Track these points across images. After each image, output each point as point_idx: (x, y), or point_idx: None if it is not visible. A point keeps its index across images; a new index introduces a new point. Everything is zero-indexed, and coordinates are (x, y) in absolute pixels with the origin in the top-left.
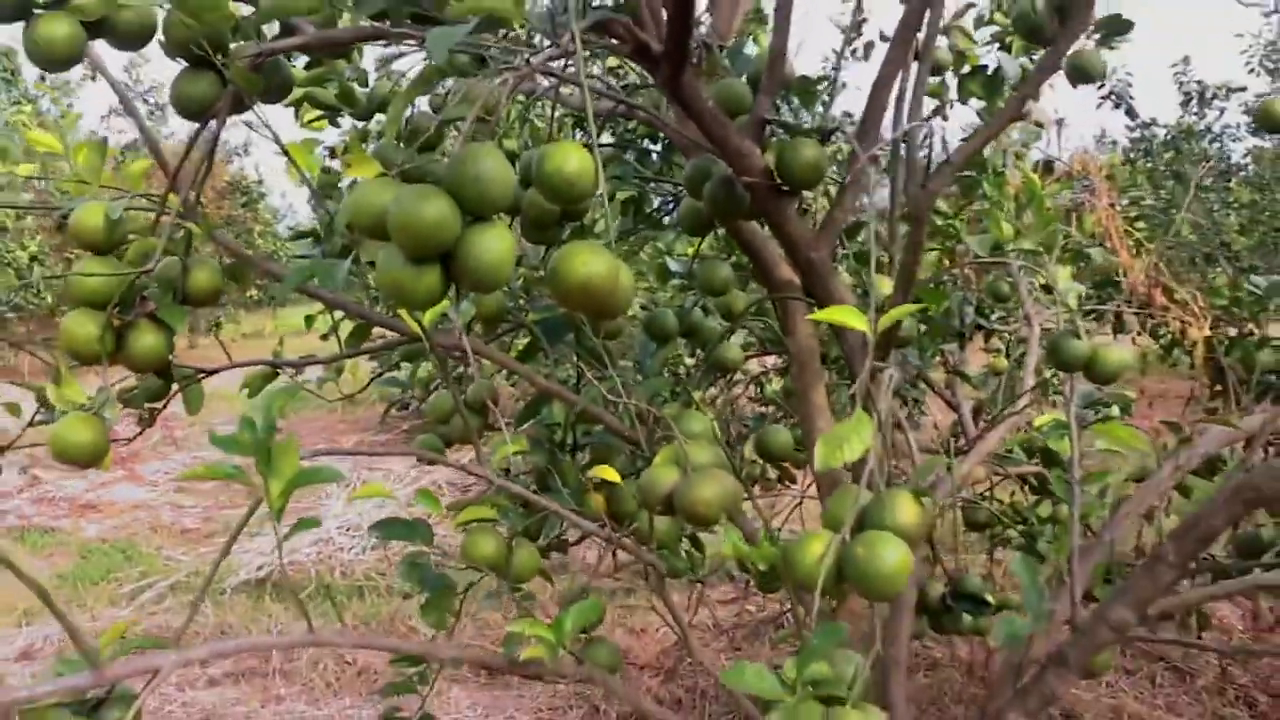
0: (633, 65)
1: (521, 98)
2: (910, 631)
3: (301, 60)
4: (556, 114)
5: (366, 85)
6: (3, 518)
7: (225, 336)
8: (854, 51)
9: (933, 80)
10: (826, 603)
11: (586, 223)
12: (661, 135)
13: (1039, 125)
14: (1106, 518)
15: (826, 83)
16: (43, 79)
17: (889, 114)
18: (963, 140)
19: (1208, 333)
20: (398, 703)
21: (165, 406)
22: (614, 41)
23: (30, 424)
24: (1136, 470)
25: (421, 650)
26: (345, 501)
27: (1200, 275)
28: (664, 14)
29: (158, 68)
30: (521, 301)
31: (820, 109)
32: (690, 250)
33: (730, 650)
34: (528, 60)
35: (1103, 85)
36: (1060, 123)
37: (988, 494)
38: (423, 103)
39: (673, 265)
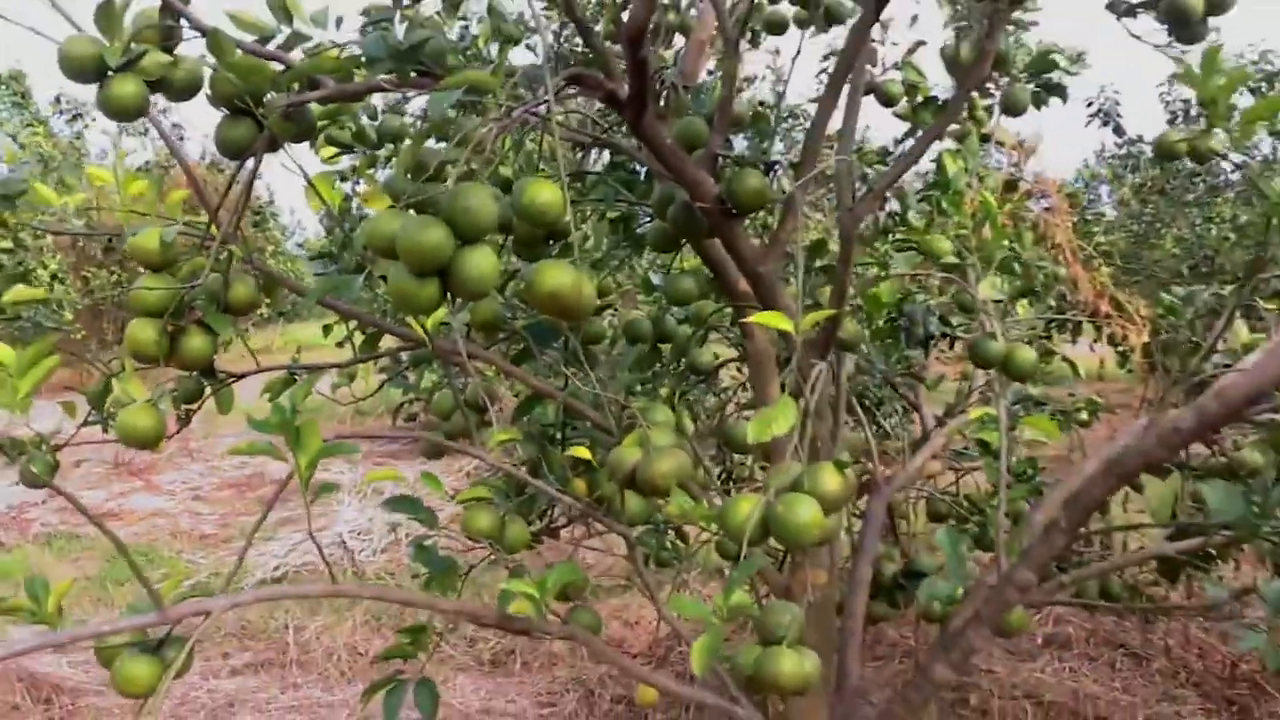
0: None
1: (517, 128)
2: (865, 606)
3: None
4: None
5: (376, 119)
6: (29, 525)
7: (235, 351)
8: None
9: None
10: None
11: (572, 240)
12: None
13: (1000, 144)
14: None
15: (784, 118)
16: (57, 100)
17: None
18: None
19: (1145, 339)
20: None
21: (200, 407)
22: (587, 90)
23: (84, 423)
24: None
25: (427, 603)
26: (357, 501)
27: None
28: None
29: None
30: (517, 311)
31: (765, 144)
32: (684, 264)
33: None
34: (510, 110)
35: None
36: (1022, 144)
37: (952, 488)
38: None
39: (654, 279)
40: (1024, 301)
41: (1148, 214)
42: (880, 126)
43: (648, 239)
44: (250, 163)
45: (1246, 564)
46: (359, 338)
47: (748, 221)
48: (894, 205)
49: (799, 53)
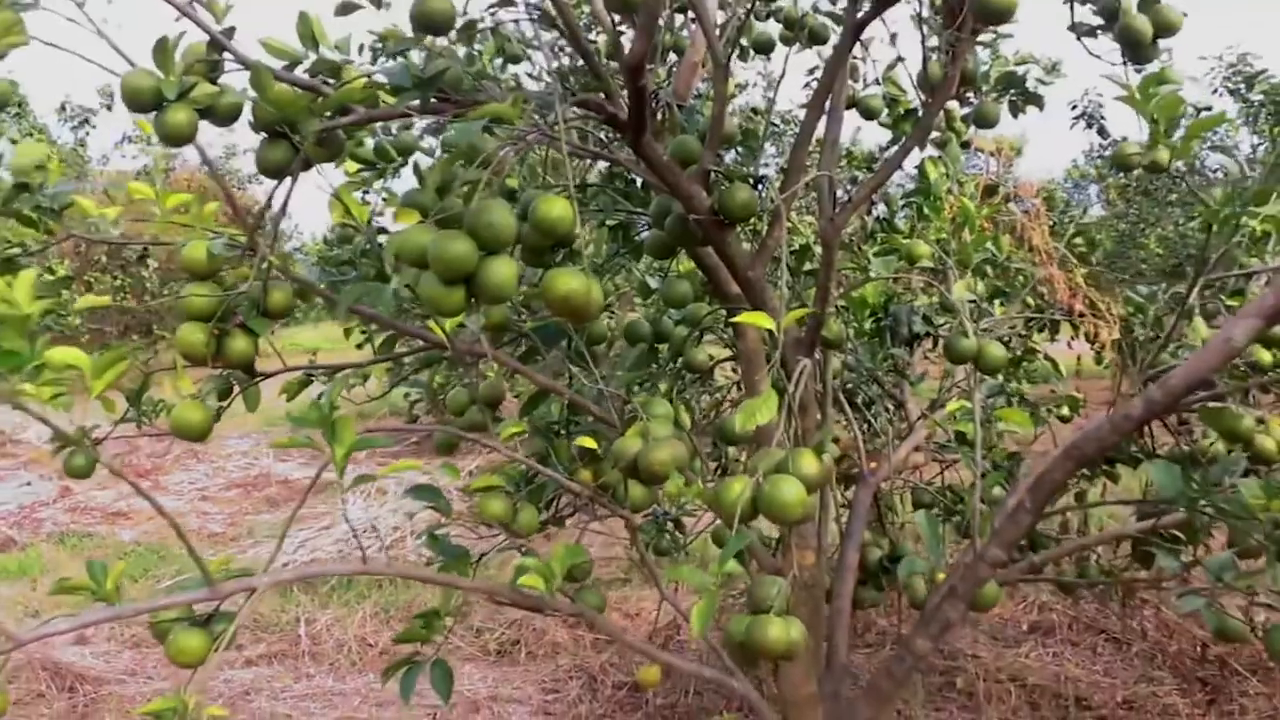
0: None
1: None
2: (852, 588)
3: None
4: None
5: (390, 134)
6: (41, 525)
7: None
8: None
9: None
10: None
11: (576, 248)
12: None
13: (980, 150)
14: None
15: (774, 124)
16: (62, 108)
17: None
18: (862, 181)
19: (1116, 336)
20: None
21: (230, 404)
22: (592, 113)
23: (121, 419)
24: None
25: (448, 581)
26: (362, 500)
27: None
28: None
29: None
30: (523, 314)
31: (753, 160)
32: (680, 269)
33: (714, 627)
34: (524, 135)
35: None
36: (1000, 150)
37: (937, 479)
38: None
39: (652, 283)
40: (999, 301)
41: (1133, 214)
42: (872, 130)
43: (646, 247)
44: (287, 181)
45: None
46: (378, 341)
47: (739, 230)
48: (882, 210)
49: (784, 74)
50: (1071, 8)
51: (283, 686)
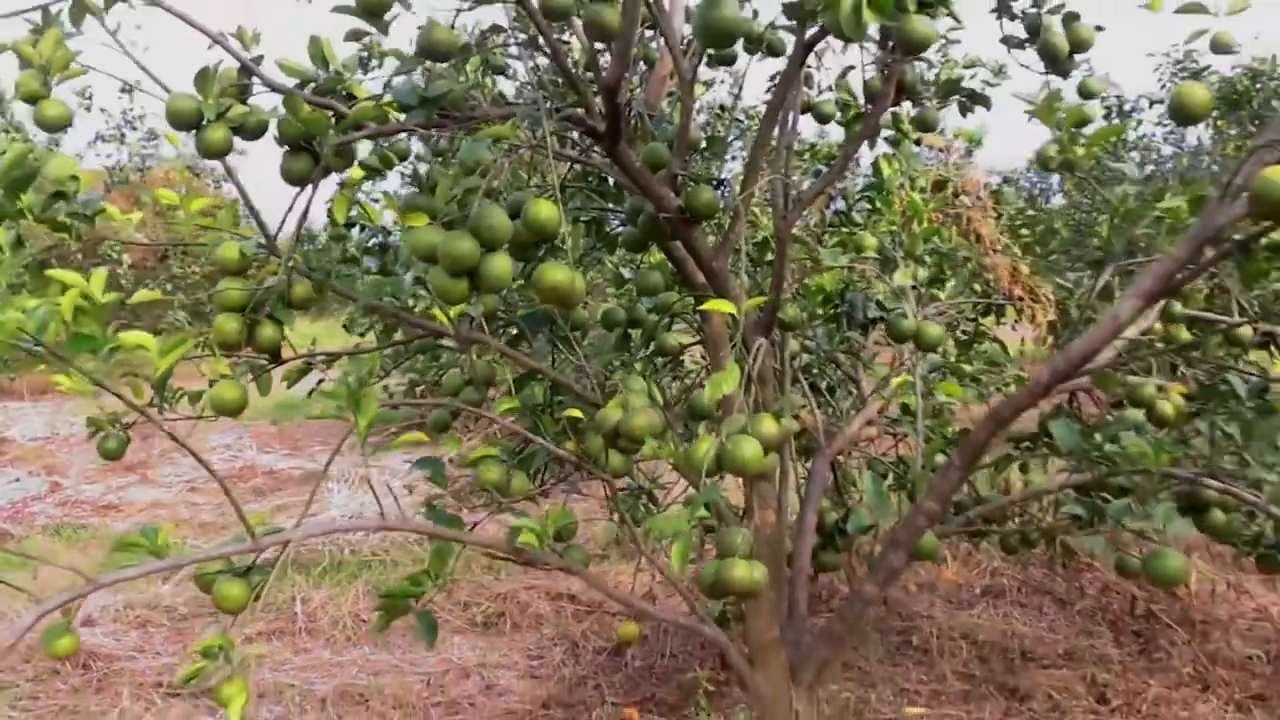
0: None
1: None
2: (810, 548)
3: None
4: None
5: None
6: (34, 518)
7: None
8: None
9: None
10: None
11: (564, 245)
12: None
13: (931, 147)
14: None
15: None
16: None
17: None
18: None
19: (1052, 318)
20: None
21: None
22: (573, 125)
23: (149, 403)
24: None
25: (454, 535)
26: (347, 489)
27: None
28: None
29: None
30: (511, 304)
31: (718, 162)
32: (653, 260)
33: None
34: (516, 149)
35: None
36: (948, 148)
37: (893, 451)
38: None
39: (626, 273)
40: (945, 286)
41: (1085, 203)
42: (837, 127)
43: (621, 241)
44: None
45: None
46: (377, 330)
47: (704, 226)
48: (841, 204)
49: (746, 73)
50: (1001, 23)
51: (283, 659)
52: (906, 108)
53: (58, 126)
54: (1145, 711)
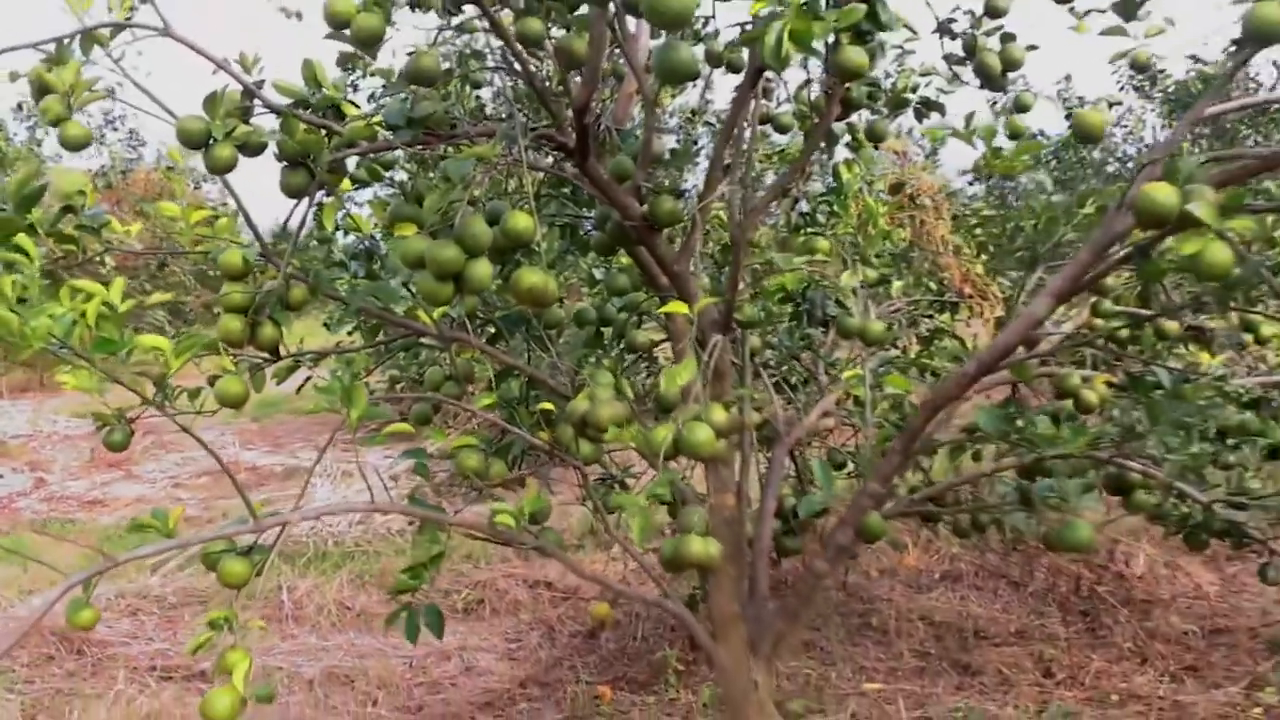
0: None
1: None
2: (770, 531)
3: None
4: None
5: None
6: (20, 513)
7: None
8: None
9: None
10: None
11: (539, 250)
12: None
13: (877, 147)
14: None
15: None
16: (20, 107)
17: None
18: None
19: (1000, 314)
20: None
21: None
22: (545, 141)
23: (147, 402)
24: None
25: (438, 518)
26: (329, 484)
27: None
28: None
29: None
30: (490, 307)
31: (680, 174)
32: (622, 262)
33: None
34: (495, 165)
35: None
36: (904, 153)
37: (851, 442)
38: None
39: (597, 274)
40: (897, 284)
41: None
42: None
43: (591, 245)
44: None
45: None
46: (366, 332)
47: (666, 233)
48: (804, 206)
49: (711, 78)
50: (942, 43)
51: (270, 644)
52: (864, 114)
53: (80, 145)
54: (1088, 684)
